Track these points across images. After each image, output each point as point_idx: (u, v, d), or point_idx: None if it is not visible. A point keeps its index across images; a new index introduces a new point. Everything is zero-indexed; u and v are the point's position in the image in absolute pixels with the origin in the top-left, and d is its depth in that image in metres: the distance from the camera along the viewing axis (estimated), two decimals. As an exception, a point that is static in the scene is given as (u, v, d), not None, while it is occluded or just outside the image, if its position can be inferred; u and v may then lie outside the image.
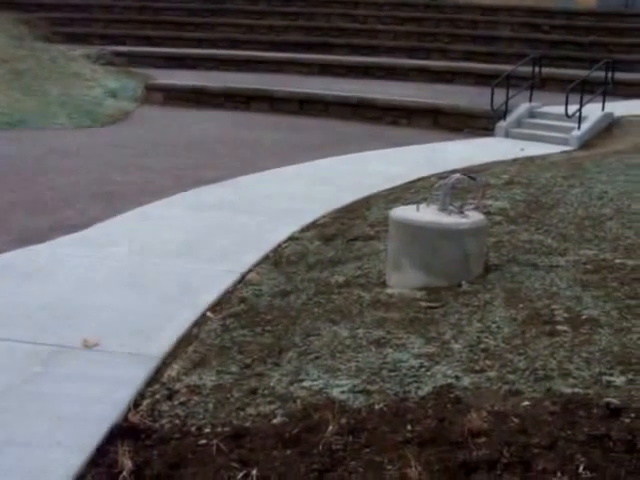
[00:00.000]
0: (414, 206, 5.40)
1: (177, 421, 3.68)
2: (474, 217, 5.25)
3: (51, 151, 10.33)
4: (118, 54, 16.61)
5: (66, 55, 16.16)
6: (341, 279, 5.41)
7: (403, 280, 5.18)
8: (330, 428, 3.47)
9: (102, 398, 3.83)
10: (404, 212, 5.38)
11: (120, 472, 3.26)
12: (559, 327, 4.40)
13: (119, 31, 18.56)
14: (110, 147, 10.75)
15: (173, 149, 10.55)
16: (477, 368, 3.99)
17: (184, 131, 11.99)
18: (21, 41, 16.83)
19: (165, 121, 12.82)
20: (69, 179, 8.65)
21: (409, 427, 3.47)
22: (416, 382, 3.89)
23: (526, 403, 3.61)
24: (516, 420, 3.44)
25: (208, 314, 4.89)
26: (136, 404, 3.80)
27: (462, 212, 5.22)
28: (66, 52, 16.34)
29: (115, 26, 18.88)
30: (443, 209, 5.22)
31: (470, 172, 7.26)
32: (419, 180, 8.68)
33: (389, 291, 5.12)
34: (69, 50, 16.51)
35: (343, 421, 3.53)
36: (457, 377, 3.90)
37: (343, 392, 3.83)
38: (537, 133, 11.92)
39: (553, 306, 4.68)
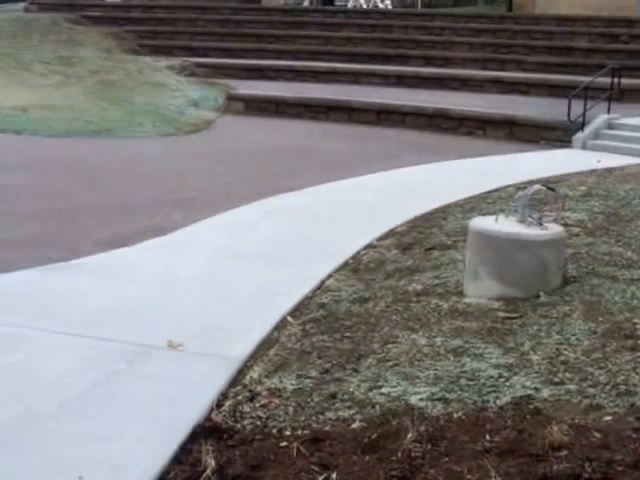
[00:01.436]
0: (493, 217, 5.41)
1: (258, 423, 3.75)
2: (553, 229, 5.23)
3: (137, 158, 10.60)
4: (201, 65, 16.94)
5: (151, 66, 16.55)
6: (419, 287, 5.44)
7: (480, 290, 5.18)
8: (409, 435, 3.49)
9: (186, 397, 3.94)
10: (483, 222, 5.39)
11: (203, 470, 3.35)
12: (641, 341, 4.34)
13: (202, 43, 18.88)
14: (192, 155, 10.98)
15: (253, 157, 10.71)
16: (556, 380, 3.96)
17: (264, 140, 12.14)
18: (109, 53, 17.32)
19: (245, 130, 13.01)
20: (154, 185, 8.87)
21: (488, 437, 3.48)
22: (494, 392, 3.89)
23: (608, 418, 3.56)
24: (598, 435, 3.40)
25: (288, 318, 4.97)
26: (219, 404, 3.90)
27: (541, 223, 5.21)
28: (151, 63, 16.75)
29: (198, 38, 19.22)
30: (522, 220, 5.21)
31: (547, 183, 7.19)
32: (495, 190, 8.63)
33: (467, 300, 5.12)
34: (154, 62, 16.92)
35: (422, 428, 3.55)
36: (536, 388, 3.88)
37: (422, 399, 3.86)
38: (615, 145, 11.73)
39: (635, 320, 4.62)
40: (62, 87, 15.07)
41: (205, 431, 3.66)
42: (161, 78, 15.88)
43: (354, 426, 3.68)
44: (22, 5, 22.91)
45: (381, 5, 23.09)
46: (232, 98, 14.95)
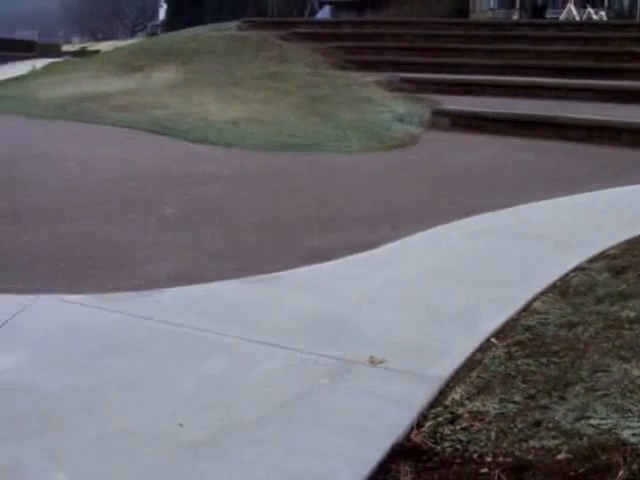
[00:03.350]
0: None
1: (459, 446, 3.65)
2: None
3: (340, 173, 10.75)
4: (407, 80, 16.98)
5: (358, 82, 16.79)
6: (632, 314, 5.12)
7: (702, 320, 4.82)
8: (620, 472, 3.27)
9: (384, 415, 3.89)
10: None
11: (401, 491, 3.30)
12: None
13: (409, 58, 18.97)
14: (395, 170, 11.00)
15: (456, 174, 10.59)
16: None
17: (469, 157, 11.98)
18: (317, 69, 17.75)
19: (450, 146, 12.90)
20: (355, 200, 8.95)
21: None
22: None
23: None
24: None
25: (492, 340, 4.82)
26: (418, 425, 3.82)
27: None
28: (358, 79, 17.00)
29: (405, 53, 19.33)
30: None
31: None
32: None
33: (686, 331, 4.79)
34: (361, 77, 17.17)
35: (634, 467, 3.32)
36: None
37: (634, 435, 3.60)
38: None
39: None
40: (271, 102, 15.59)
41: (404, 451, 3.59)
42: (367, 93, 16.06)
43: (560, 457, 3.50)
44: (235, 23, 24.10)
45: (595, 17, 22.32)
46: (438, 113, 14.87)
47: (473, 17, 25.43)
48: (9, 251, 6.78)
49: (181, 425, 3.75)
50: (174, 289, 5.71)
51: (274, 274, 6.08)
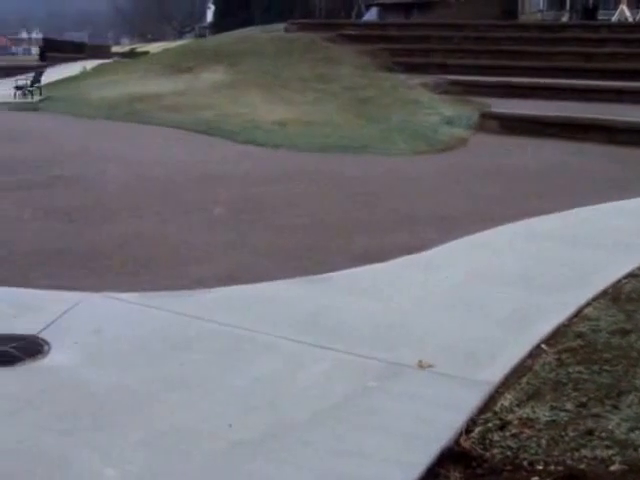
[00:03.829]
0: None
1: (509, 453, 3.60)
2: None
3: (390, 175, 10.72)
4: (455, 83, 16.90)
5: (405, 84, 16.74)
6: (688, 323, 5.02)
7: None
8: (676, 485, 3.21)
9: (433, 419, 3.85)
10: None
11: (450, 496, 3.27)
12: None
13: (456, 61, 18.87)
14: (445, 173, 10.94)
15: (505, 177, 10.50)
16: None
17: (516, 161, 11.87)
18: (364, 71, 17.74)
19: (499, 150, 12.78)
20: (406, 202, 8.92)
21: None
22: None
23: None
24: None
25: (543, 346, 4.75)
26: (468, 430, 3.78)
27: None
28: (405, 81, 16.95)
29: (453, 56, 19.23)
30: None
31: None
32: None
33: None
34: (408, 79, 17.11)
35: (691, 479, 3.26)
36: None
37: (690, 447, 3.54)
38: None
39: None
40: (318, 103, 15.61)
41: (453, 456, 3.56)
42: (415, 96, 16.01)
43: (613, 468, 3.43)
44: (283, 25, 24.24)
45: (648, 18, 21.96)
46: (486, 116, 14.76)
47: (522, 19, 25.19)
48: (62, 249, 6.86)
49: (230, 425, 3.75)
50: (224, 289, 5.73)
51: (323, 275, 6.07)
